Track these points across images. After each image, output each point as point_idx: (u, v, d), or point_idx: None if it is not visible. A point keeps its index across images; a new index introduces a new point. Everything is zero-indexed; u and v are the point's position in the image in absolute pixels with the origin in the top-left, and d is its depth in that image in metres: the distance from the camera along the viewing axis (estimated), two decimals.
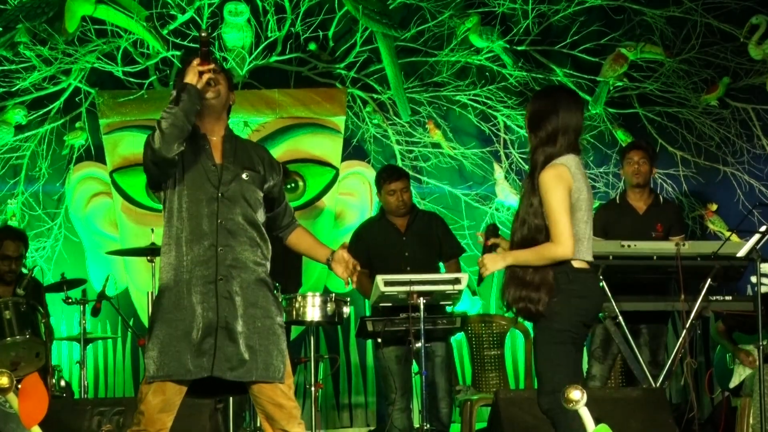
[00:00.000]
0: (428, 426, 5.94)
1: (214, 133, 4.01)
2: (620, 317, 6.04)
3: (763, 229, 5.79)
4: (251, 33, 7.99)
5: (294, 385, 4.01)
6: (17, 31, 7.74)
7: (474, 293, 7.64)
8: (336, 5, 8.04)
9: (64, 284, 6.66)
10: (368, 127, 8.10)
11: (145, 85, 7.94)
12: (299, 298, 5.88)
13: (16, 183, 7.88)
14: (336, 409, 7.92)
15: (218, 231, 3.88)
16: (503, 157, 8.07)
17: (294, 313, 5.86)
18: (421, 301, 5.91)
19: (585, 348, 5.23)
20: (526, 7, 8.06)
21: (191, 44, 7.80)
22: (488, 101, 8.11)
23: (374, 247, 6.70)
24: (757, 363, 5.65)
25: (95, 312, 6.65)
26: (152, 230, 6.73)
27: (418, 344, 5.93)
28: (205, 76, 3.85)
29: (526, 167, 5.43)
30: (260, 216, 4.00)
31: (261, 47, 8.02)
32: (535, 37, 8.13)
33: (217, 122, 4.01)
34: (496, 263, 4.33)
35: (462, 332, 6.91)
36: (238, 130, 7.63)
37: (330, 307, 5.91)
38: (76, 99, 7.93)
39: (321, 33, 8.06)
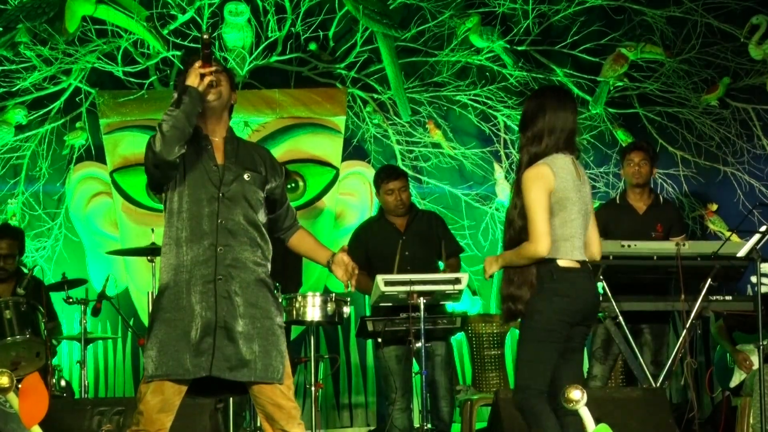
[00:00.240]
0: (428, 426, 5.94)
1: (216, 133, 4.01)
2: (620, 317, 6.04)
3: (763, 229, 5.80)
4: (251, 33, 7.99)
5: (294, 385, 4.01)
6: (18, 31, 7.74)
7: (474, 293, 7.65)
8: (336, 5, 8.05)
9: (64, 284, 6.66)
10: (368, 127, 8.10)
11: (146, 85, 7.94)
12: (299, 298, 5.88)
13: (17, 183, 7.89)
14: (336, 408, 7.92)
15: (218, 231, 3.88)
16: (503, 157, 8.08)
17: (294, 312, 5.86)
18: (422, 300, 5.91)
19: (586, 348, 5.22)
20: (527, 7, 8.06)
21: (192, 44, 7.81)
22: (488, 101, 8.12)
23: (374, 247, 6.70)
24: (754, 366, 5.65)
25: (95, 312, 6.65)
26: (152, 230, 6.73)
27: (419, 344, 5.94)
28: (207, 78, 3.85)
29: None
30: (261, 217, 4.00)
31: (261, 47, 8.03)
32: (536, 37, 8.14)
33: (219, 123, 4.01)
34: (491, 266, 4.44)
35: (462, 332, 6.91)
36: (239, 130, 7.62)
37: (330, 306, 5.91)
38: (77, 99, 7.94)
39: (321, 33, 8.07)
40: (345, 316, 6.04)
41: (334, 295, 6.05)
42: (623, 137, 8.10)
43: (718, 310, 6.30)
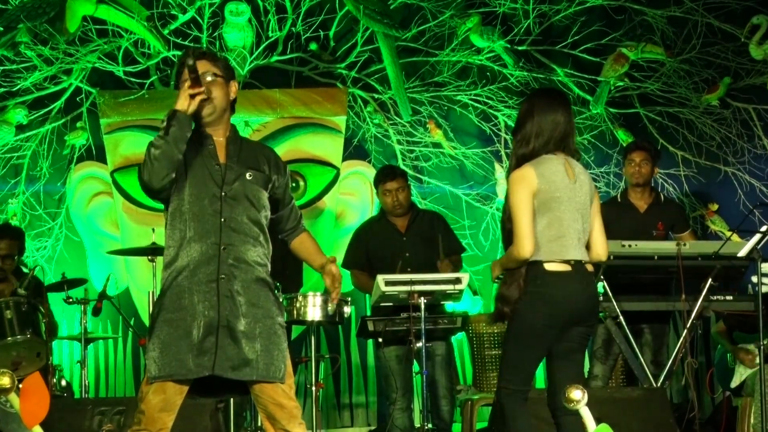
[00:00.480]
0: (429, 425, 5.94)
1: (218, 132, 4.01)
2: (621, 317, 6.04)
3: (763, 229, 5.80)
4: (252, 33, 8.00)
5: (295, 385, 4.01)
6: (18, 31, 7.75)
7: (475, 293, 7.64)
8: (337, 5, 8.05)
9: (65, 284, 6.66)
10: (369, 127, 8.10)
11: (146, 85, 7.95)
12: (300, 298, 5.88)
13: (17, 183, 7.89)
14: (337, 408, 7.92)
15: (221, 230, 3.88)
16: (504, 157, 8.07)
17: (295, 312, 5.86)
18: (422, 300, 5.91)
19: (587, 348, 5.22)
20: (527, 7, 8.06)
21: (192, 44, 7.81)
22: (489, 101, 8.12)
23: (374, 247, 6.70)
24: (757, 362, 5.65)
25: (96, 312, 6.65)
26: (153, 230, 6.74)
27: (419, 344, 5.94)
28: (198, 98, 3.84)
29: None
30: (264, 216, 4.00)
31: (262, 47, 8.03)
32: (536, 37, 8.14)
33: (221, 122, 4.01)
34: (494, 270, 4.51)
35: (463, 332, 6.91)
36: (239, 130, 7.61)
37: (331, 306, 5.91)
38: (77, 99, 7.94)
39: (322, 33, 8.07)
40: (346, 315, 6.03)
41: None
42: (624, 137, 8.10)
43: (718, 310, 6.30)
